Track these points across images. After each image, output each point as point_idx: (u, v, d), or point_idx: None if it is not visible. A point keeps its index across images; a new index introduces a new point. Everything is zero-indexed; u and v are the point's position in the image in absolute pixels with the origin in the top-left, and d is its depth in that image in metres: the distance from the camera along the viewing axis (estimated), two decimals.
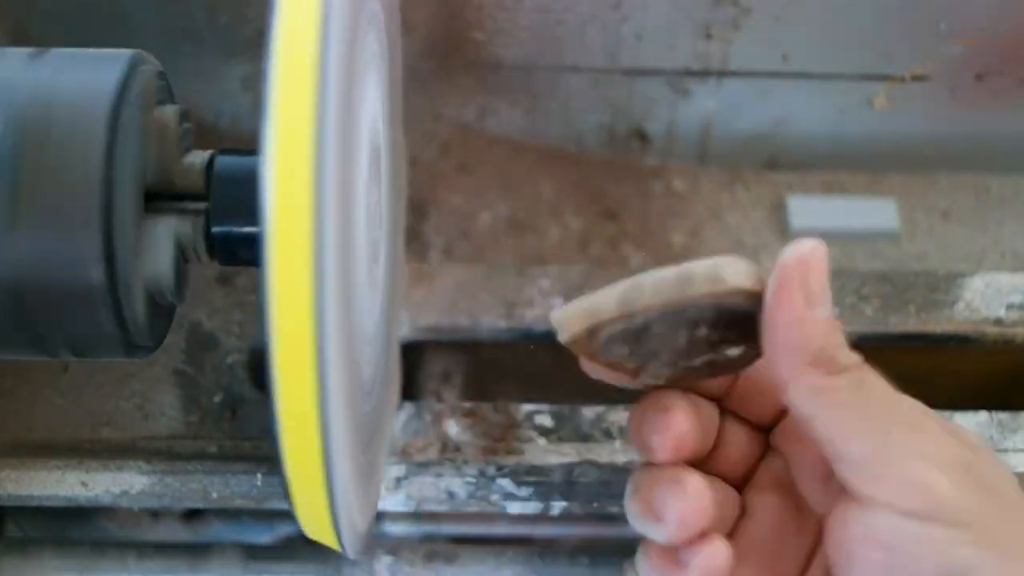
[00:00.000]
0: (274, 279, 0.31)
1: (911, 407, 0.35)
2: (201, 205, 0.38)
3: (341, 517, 0.35)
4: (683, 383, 0.39)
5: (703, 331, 0.36)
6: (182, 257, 0.39)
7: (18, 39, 0.56)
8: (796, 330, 0.34)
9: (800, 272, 0.34)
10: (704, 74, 0.60)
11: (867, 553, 0.34)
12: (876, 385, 0.35)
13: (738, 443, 0.40)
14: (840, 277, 0.55)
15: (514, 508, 0.49)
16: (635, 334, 0.37)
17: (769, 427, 0.40)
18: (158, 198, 0.38)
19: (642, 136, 0.64)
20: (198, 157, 0.40)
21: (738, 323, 0.36)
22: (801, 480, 0.39)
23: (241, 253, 0.39)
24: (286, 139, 0.30)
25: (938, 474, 0.33)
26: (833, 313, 0.35)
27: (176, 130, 0.39)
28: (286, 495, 0.34)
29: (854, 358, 0.35)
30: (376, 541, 0.53)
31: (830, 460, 0.35)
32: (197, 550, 0.52)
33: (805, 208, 0.62)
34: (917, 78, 0.59)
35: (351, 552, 0.38)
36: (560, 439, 0.50)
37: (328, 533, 0.36)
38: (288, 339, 0.31)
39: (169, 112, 0.39)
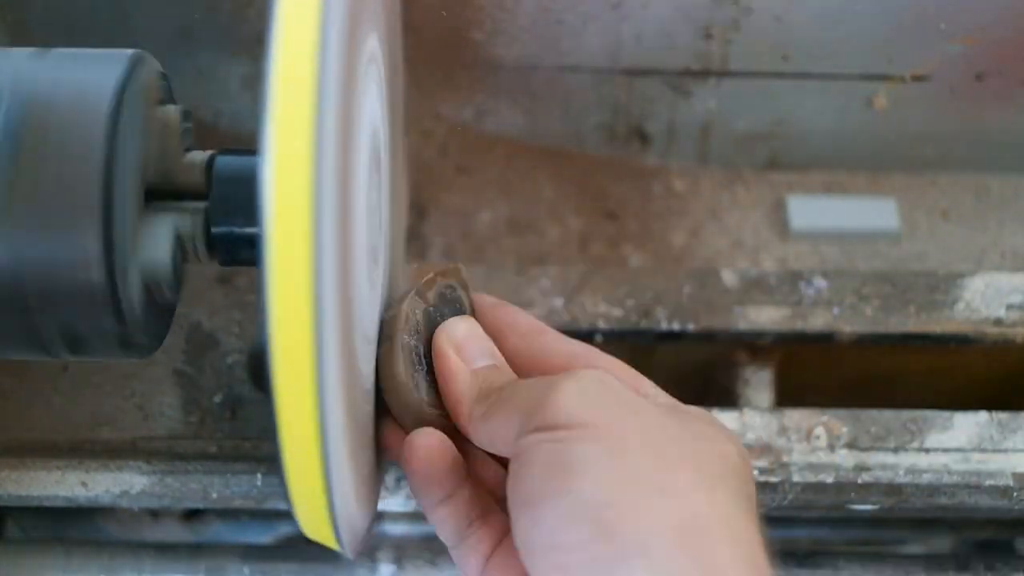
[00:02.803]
0: (273, 279, 0.31)
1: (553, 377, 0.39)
2: (201, 204, 0.39)
3: (339, 517, 0.35)
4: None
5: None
6: (181, 253, 0.39)
7: (18, 39, 0.56)
8: (456, 383, 0.40)
9: (450, 343, 0.41)
10: (704, 74, 0.60)
11: (514, 465, 0.37)
12: (522, 381, 0.40)
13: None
14: (840, 277, 0.55)
15: None
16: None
17: None
18: (158, 195, 0.38)
19: (642, 136, 0.64)
20: (198, 156, 0.40)
21: None
22: None
23: (241, 253, 0.39)
24: (285, 139, 0.30)
25: (565, 389, 0.36)
26: (493, 363, 0.41)
27: (177, 128, 0.39)
28: (285, 494, 0.34)
29: (507, 378, 0.40)
30: (376, 541, 0.53)
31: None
32: (197, 550, 0.52)
33: (805, 208, 0.62)
34: (917, 78, 0.59)
35: (349, 552, 0.38)
36: None
37: (327, 533, 0.36)
38: (287, 339, 0.31)
39: (170, 111, 0.39)
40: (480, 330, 0.42)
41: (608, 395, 0.37)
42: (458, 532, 0.40)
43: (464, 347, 0.41)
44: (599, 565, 0.33)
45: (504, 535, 0.40)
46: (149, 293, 0.39)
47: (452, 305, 0.43)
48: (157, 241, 0.38)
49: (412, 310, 0.41)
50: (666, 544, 0.33)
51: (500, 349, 0.42)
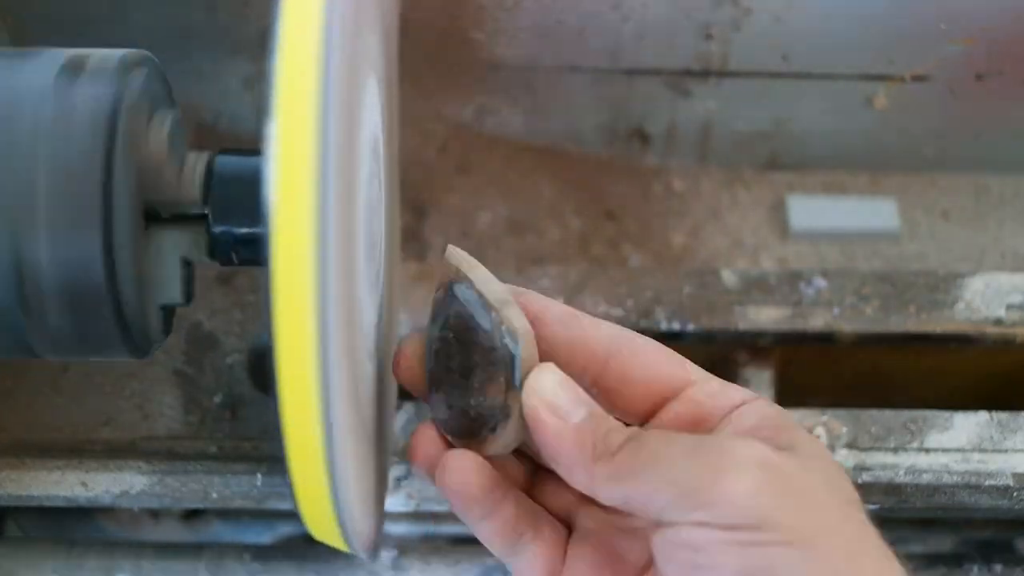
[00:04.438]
0: (278, 279, 0.31)
1: (689, 438, 0.37)
2: (201, 214, 0.39)
3: (346, 516, 0.35)
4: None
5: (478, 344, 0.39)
6: (188, 268, 0.39)
7: (18, 39, 0.56)
8: (565, 443, 0.37)
9: (540, 402, 0.38)
10: (704, 74, 0.60)
11: (678, 556, 0.36)
12: (651, 437, 0.37)
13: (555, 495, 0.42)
14: (840, 277, 0.55)
15: None
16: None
17: None
18: (159, 210, 0.39)
19: (642, 136, 0.64)
20: (197, 160, 0.40)
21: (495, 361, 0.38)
22: (619, 535, 0.40)
23: (241, 253, 0.39)
24: (289, 140, 0.30)
25: (736, 482, 0.35)
26: (588, 410, 0.38)
27: (172, 140, 0.39)
28: (290, 495, 0.34)
29: (624, 430, 0.38)
30: (377, 540, 0.53)
31: (653, 522, 0.37)
32: (197, 550, 0.52)
33: (805, 208, 0.62)
34: (917, 78, 0.59)
35: (360, 551, 0.38)
36: None
37: (334, 533, 0.36)
38: (291, 339, 0.31)
39: (164, 123, 0.39)
40: (565, 378, 0.39)
41: (777, 482, 0.35)
42: (508, 547, 0.40)
43: (557, 403, 0.38)
44: None
45: (564, 550, 0.40)
46: (151, 299, 0.39)
47: (472, 303, 0.39)
48: (165, 260, 0.38)
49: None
50: None
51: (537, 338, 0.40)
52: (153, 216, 0.38)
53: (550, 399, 0.38)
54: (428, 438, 0.40)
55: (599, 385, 0.40)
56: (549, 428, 0.38)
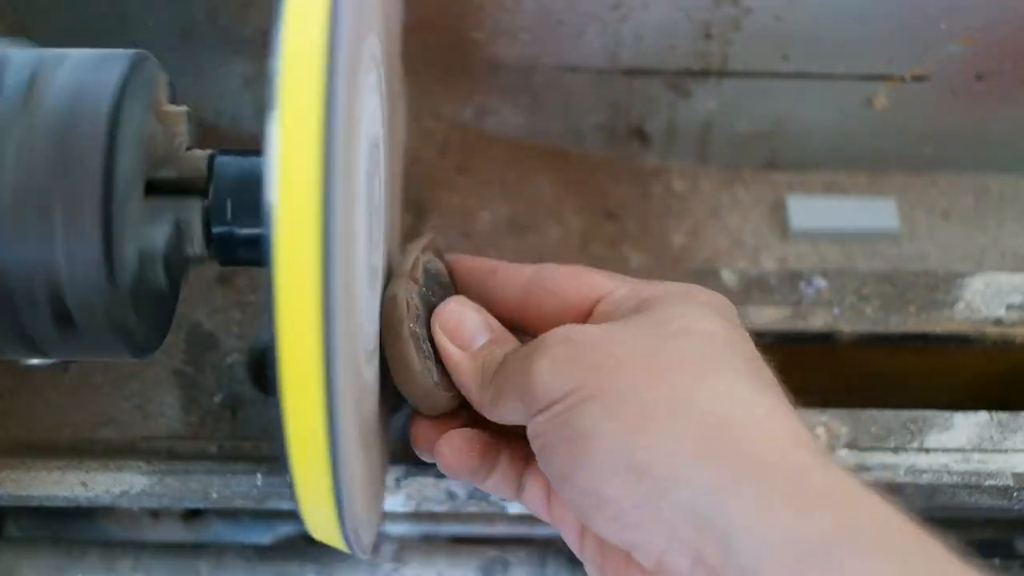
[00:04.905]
0: (281, 280, 0.31)
1: (530, 343, 0.39)
2: (201, 200, 0.38)
3: (348, 517, 0.35)
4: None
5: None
6: (179, 239, 0.39)
7: (18, 38, 0.56)
8: (461, 373, 0.41)
9: (444, 331, 0.41)
10: (704, 74, 0.60)
11: (535, 451, 0.38)
12: (509, 355, 0.40)
13: None
14: (840, 277, 0.55)
15: (514, 508, 0.49)
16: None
17: None
18: (160, 187, 0.38)
19: (642, 136, 0.64)
20: (199, 155, 0.40)
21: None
22: None
23: (241, 253, 0.39)
24: (292, 141, 0.30)
25: (537, 370, 0.37)
26: (488, 336, 0.41)
27: (182, 125, 0.39)
28: (292, 495, 0.34)
29: (503, 353, 0.40)
30: (376, 541, 0.53)
31: None
32: (197, 550, 0.52)
33: (805, 208, 0.62)
34: (917, 78, 0.59)
35: (360, 552, 0.38)
36: None
37: (335, 534, 0.36)
38: (294, 340, 0.31)
39: (175, 109, 0.40)
40: (468, 306, 0.42)
41: (574, 351, 0.37)
42: (512, 491, 0.42)
43: (458, 332, 0.41)
44: (647, 503, 0.34)
45: None
46: (145, 274, 0.38)
47: (437, 279, 0.44)
48: (156, 224, 0.38)
49: (408, 297, 0.41)
50: (695, 460, 0.33)
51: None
52: (153, 187, 0.38)
53: (452, 326, 0.41)
54: (425, 425, 0.42)
55: (523, 326, 0.43)
56: (451, 356, 0.41)
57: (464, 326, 0.41)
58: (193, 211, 0.38)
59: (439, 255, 0.45)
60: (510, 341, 0.41)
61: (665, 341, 0.37)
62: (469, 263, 0.45)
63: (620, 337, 0.37)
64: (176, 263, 0.39)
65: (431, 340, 0.42)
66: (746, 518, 0.32)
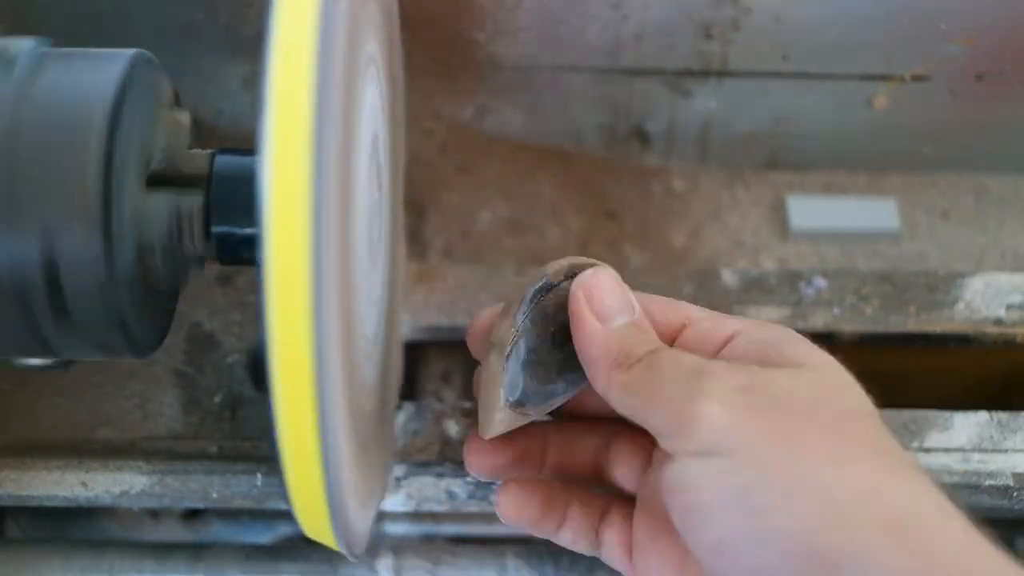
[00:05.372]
0: (272, 279, 0.31)
1: (695, 359, 0.37)
2: (201, 199, 0.38)
3: (338, 517, 0.35)
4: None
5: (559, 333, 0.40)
6: (178, 237, 0.38)
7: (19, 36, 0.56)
8: (593, 345, 0.38)
9: (586, 297, 0.38)
10: (704, 74, 0.60)
11: (672, 499, 0.35)
12: (667, 356, 0.37)
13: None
14: (840, 277, 0.55)
15: None
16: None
17: None
18: (161, 181, 0.38)
19: (642, 136, 0.64)
20: (200, 154, 0.40)
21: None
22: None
23: (241, 253, 0.39)
24: (284, 139, 0.30)
25: (709, 407, 0.34)
26: (631, 319, 0.38)
27: (185, 124, 0.39)
28: (284, 494, 0.34)
29: (651, 344, 0.38)
30: (376, 541, 0.53)
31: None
32: (197, 550, 0.52)
33: (805, 208, 0.62)
34: (917, 78, 0.59)
35: (349, 553, 0.38)
36: None
37: (327, 533, 0.36)
38: (286, 339, 0.31)
39: (173, 107, 0.40)
40: (615, 280, 0.39)
41: (756, 400, 0.35)
42: (590, 545, 0.41)
43: (602, 304, 0.38)
44: None
45: (627, 518, 0.41)
46: (145, 273, 0.38)
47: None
48: (156, 223, 0.38)
49: (533, 290, 0.40)
50: (885, 549, 0.32)
51: None
52: (153, 180, 0.38)
53: (592, 292, 0.39)
54: (477, 443, 0.42)
55: None
56: (587, 330, 0.38)
57: (607, 298, 0.39)
58: (193, 210, 0.38)
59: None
60: (652, 333, 0.39)
61: (843, 420, 0.35)
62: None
63: (799, 400, 0.35)
64: (176, 262, 0.39)
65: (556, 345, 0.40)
66: None
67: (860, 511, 0.33)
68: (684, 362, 0.36)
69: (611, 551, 0.41)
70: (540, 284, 0.40)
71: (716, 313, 0.40)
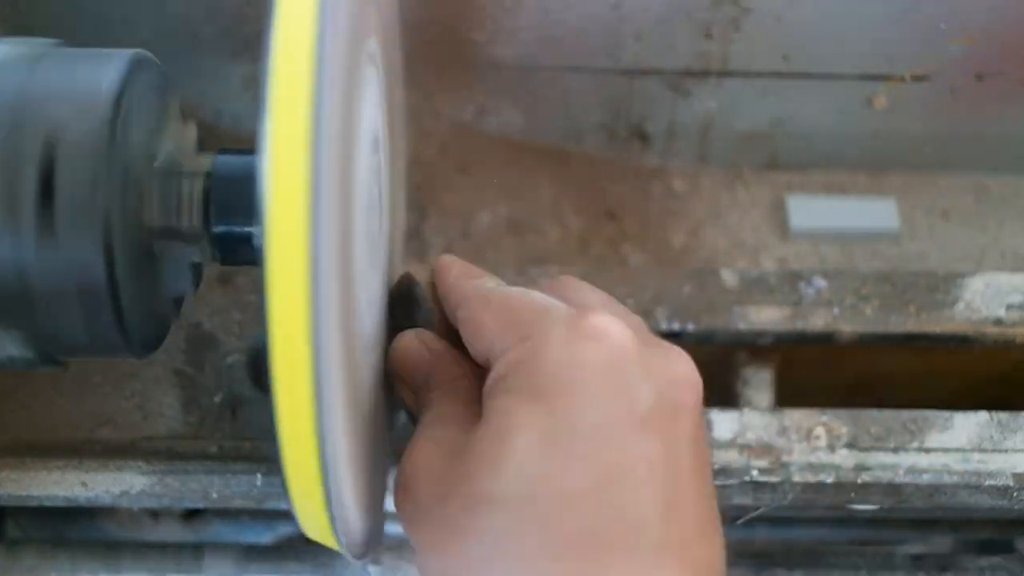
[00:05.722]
0: (271, 278, 0.31)
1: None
2: (201, 198, 0.39)
3: (338, 517, 0.35)
4: None
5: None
6: (179, 229, 0.39)
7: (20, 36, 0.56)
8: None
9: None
10: (704, 74, 0.60)
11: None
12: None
13: None
14: (840, 277, 0.55)
15: None
16: None
17: None
18: (159, 184, 0.38)
19: (642, 136, 0.64)
20: (200, 154, 0.40)
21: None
22: None
23: (241, 252, 0.39)
24: (284, 138, 0.30)
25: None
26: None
27: (182, 124, 0.39)
28: (284, 494, 0.34)
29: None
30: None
31: None
32: (197, 550, 0.52)
33: (805, 208, 0.62)
34: (917, 78, 0.59)
35: (349, 553, 0.38)
36: None
37: (327, 533, 0.36)
38: (286, 338, 0.31)
39: (174, 107, 0.40)
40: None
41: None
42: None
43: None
44: None
45: None
46: (151, 297, 0.39)
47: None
48: (156, 222, 0.38)
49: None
50: None
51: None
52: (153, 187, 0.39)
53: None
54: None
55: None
56: (448, 270, 0.41)
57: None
58: (193, 210, 0.38)
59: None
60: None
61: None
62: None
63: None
64: (176, 262, 0.39)
65: None
66: None
67: None
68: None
69: None
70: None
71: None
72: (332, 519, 0.34)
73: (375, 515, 0.42)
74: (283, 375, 0.31)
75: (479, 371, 0.40)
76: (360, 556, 0.39)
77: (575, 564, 0.34)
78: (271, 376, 0.31)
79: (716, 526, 0.37)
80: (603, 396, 0.35)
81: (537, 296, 0.38)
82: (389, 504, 0.48)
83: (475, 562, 0.35)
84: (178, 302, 0.42)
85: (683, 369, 0.37)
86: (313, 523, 0.35)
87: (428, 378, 0.40)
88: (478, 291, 0.40)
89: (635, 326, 0.38)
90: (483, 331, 0.38)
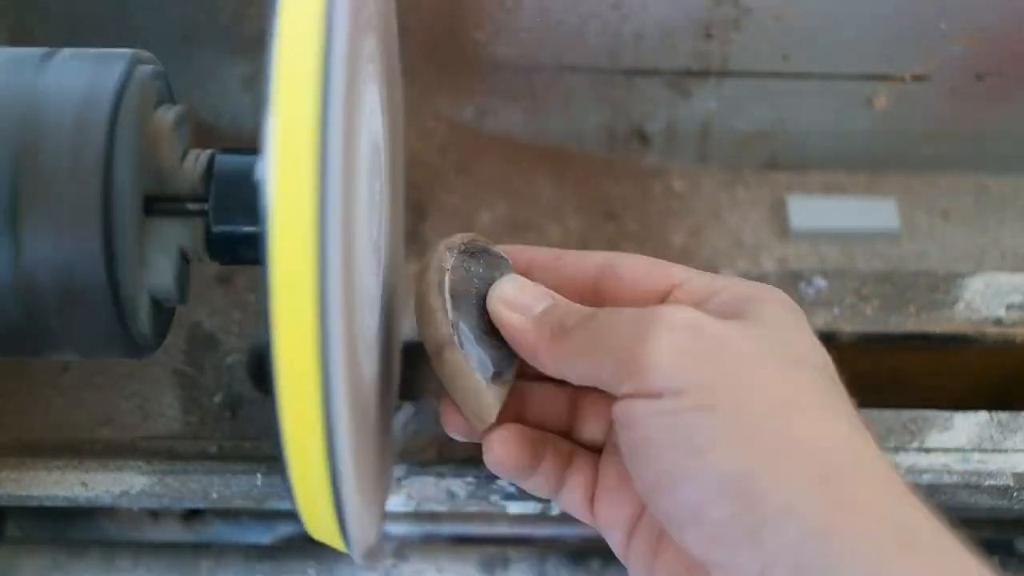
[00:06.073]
0: (276, 278, 0.30)
1: (633, 310, 0.37)
2: (201, 206, 0.39)
3: (347, 517, 0.35)
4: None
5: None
6: (184, 262, 0.39)
7: (19, 39, 0.56)
8: (526, 335, 0.39)
9: (503, 303, 0.40)
10: (704, 74, 0.60)
11: (622, 436, 0.36)
12: (602, 314, 0.38)
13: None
14: (840, 277, 0.55)
15: (514, 508, 0.49)
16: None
17: None
18: (158, 201, 0.38)
19: (642, 136, 0.64)
20: (198, 157, 0.40)
21: None
22: None
23: (241, 252, 0.39)
24: (288, 138, 0.30)
25: (656, 347, 0.35)
26: (550, 303, 0.40)
27: (175, 132, 0.39)
28: (289, 495, 0.34)
29: (583, 311, 0.39)
30: (378, 541, 0.53)
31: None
32: (197, 550, 0.52)
33: (805, 208, 0.62)
34: (917, 78, 0.59)
35: (355, 554, 0.38)
36: None
37: (333, 534, 0.36)
38: (291, 339, 0.31)
39: (168, 114, 0.39)
40: (525, 280, 0.41)
41: (704, 344, 0.35)
42: (554, 490, 0.42)
43: (517, 302, 0.40)
44: (751, 532, 0.33)
45: (594, 470, 0.42)
46: (151, 297, 0.39)
47: (482, 257, 0.42)
48: (160, 250, 0.38)
49: (440, 277, 0.41)
50: (811, 499, 0.33)
51: None
52: (152, 208, 0.38)
53: (511, 298, 0.40)
54: (453, 410, 0.42)
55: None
56: (513, 323, 0.40)
57: (523, 296, 0.40)
58: (195, 230, 0.38)
59: (481, 248, 0.43)
60: (572, 306, 0.40)
61: (790, 370, 0.36)
62: (531, 253, 0.43)
63: (748, 347, 0.36)
64: (182, 284, 0.39)
65: (478, 320, 0.41)
66: (852, 567, 0.32)
67: (793, 459, 0.33)
68: (624, 314, 0.37)
69: (571, 494, 0.42)
70: (447, 269, 0.41)
71: (707, 273, 0.41)
72: (341, 520, 0.34)
73: (380, 515, 0.42)
74: (289, 376, 0.31)
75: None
76: (366, 556, 0.39)
77: None
78: (275, 377, 0.31)
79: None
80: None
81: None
82: (390, 504, 0.48)
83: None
84: (175, 301, 0.42)
85: None
86: (320, 524, 0.35)
87: None
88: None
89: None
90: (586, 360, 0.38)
